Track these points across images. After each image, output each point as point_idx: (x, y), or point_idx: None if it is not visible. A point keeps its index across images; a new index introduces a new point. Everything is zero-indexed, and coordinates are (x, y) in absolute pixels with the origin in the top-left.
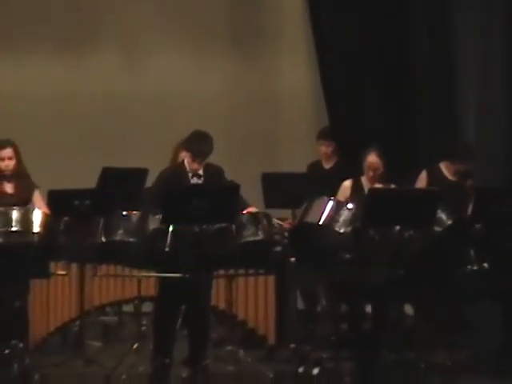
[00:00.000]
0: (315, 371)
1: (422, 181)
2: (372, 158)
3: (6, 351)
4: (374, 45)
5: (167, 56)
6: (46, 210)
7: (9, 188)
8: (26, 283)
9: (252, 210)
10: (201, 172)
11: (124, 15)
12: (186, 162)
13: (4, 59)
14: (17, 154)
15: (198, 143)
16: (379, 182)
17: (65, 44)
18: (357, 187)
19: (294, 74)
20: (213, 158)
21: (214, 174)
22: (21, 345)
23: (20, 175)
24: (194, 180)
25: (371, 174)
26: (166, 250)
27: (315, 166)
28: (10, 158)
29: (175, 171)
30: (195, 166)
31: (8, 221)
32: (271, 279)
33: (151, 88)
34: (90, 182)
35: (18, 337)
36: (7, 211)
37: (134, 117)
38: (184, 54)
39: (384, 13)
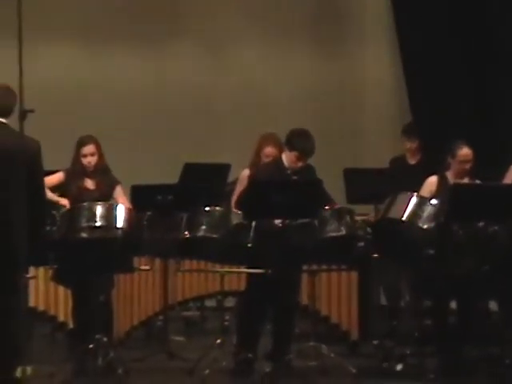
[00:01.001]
0: (399, 367)
1: (510, 176)
2: (465, 151)
3: (91, 345)
4: (460, 36)
5: (249, 49)
6: (128, 206)
7: (90, 184)
8: (111, 278)
9: (335, 205)
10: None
11: (206, 8)
12: (284, 159)
13: (81, 51)
14: (98, 150)
15: (303, 142)
16: (467, 177)
17: (145, 37)
18: (443, 183)
19: (377, 67)
20: None
21: (307, 172)
22: (105, 339)
23: (102, 171)
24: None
25: (466, 166)
26: (249, 245)
27: (398, 161)
28: (92, 155)
29: (271, 168)
30: (299, 164)
31: (92, 216)
32: (354, 275)
33: (234, 81)
34: (171, 176)
35: (103, 331)
36: (91, 206)
37: (216, 110)
38: (267, 47)
39: (470, 2)
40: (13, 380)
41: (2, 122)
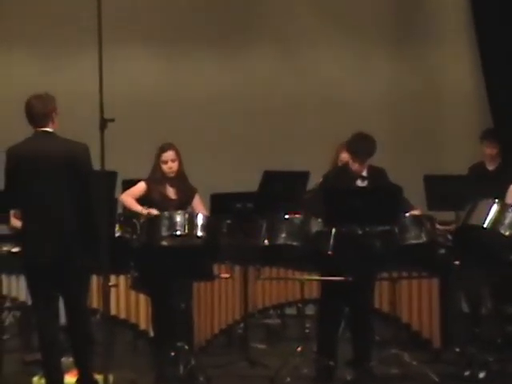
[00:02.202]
0: (481, 375)
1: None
2: None
3: (172, 353)
4: None
5: (329, 55)
6: (207, 214)
7: (171, 192)
8: (191, 286)
9: (415, 212)
10: (365, 174)
11: (283, 10)
12: (350, 163)
13: (158, 58)
14: (178, 157)
15: (359, 144)
16: None
17: (222, 41)
18: None
19: (455, 68)
20: (375, 159)
21: (377, 176)
22: (186, 346)
23: (181, 178)
24: (359, 182)
25: None
26: (329, 252)
27: (477, 168)
28: (172, 161)
29: (339, 173)
30: (355, 167)
31: (172, 225)
32: (435, 282)
33: (313, 88)
34: (251, 184)
35: (184, 338)
36: (171, 215)
37: (293, 117)
38: (344, 49)
39: None
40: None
41: (44, 131)
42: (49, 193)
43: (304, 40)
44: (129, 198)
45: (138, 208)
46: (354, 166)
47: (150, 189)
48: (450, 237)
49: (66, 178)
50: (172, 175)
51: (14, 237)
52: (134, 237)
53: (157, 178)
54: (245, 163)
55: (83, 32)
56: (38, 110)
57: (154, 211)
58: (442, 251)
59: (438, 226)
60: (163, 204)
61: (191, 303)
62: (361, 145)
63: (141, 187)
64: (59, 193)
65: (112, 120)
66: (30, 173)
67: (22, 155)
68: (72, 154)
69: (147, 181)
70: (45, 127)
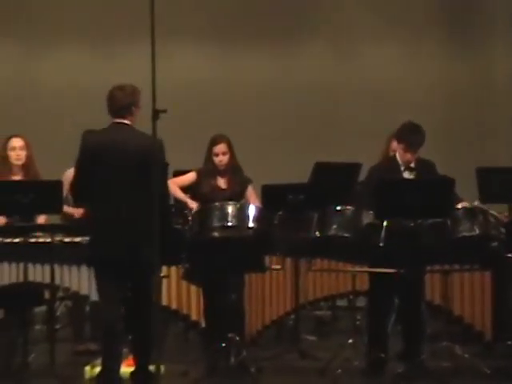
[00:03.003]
0: None
1: None
2: None
3: (223, 344)
4: None
5: (380, 45)
6: (259, 205)
7: (222, 183)
8: (242, 277)
9: (464, 204)
10: (413, 165)
11: (334, 6)
12: (397, 154)
13: (212, 51)
14: (230, 149)
15: (410, 134)
16: None
17: (274, 36)
18: None
19: (509, 62)
20: (426, 152)
21: (425, 167)
22: (237, 338)
23: (233, 170)
24: (406, 174)
25: None
26: (380, 244)
27: None
28: (224, 154)
29: (387, 165)
30: (407, 157)
31: (224, 216)
32: (487, 275)
33: (364, 81)
34: (302, 176)
35: (235, 330)
36: (223, 206)
37: (344, 109)
38: (398, 43)
39: None
40: (148, 375)
41: (121, 123)
42: (121, 186)
43: (355, 34)
44: (173, 186)
45: (181, 195)
46: (406, 157)
47: (200, 180)
48: (502, 229)
49: (139, 172)
50: (223, 167)
51: (71, 227)
52: (186, 228)
53: (208, 170)
54: (296, 154)
55: (136, 21)
56: (119, 102)
57: (193, 204)
58: (495, 244)
59: (490, 219)
60: (213, 195)
61: (243, 294)
62: (413, 134)
63: (190, 177)
64: (131, 186)
65: (164, 111)
66: (103, 165)
67: (97, 146)
68: (147, 148)
69: (198, 172)
70: (123, 119)
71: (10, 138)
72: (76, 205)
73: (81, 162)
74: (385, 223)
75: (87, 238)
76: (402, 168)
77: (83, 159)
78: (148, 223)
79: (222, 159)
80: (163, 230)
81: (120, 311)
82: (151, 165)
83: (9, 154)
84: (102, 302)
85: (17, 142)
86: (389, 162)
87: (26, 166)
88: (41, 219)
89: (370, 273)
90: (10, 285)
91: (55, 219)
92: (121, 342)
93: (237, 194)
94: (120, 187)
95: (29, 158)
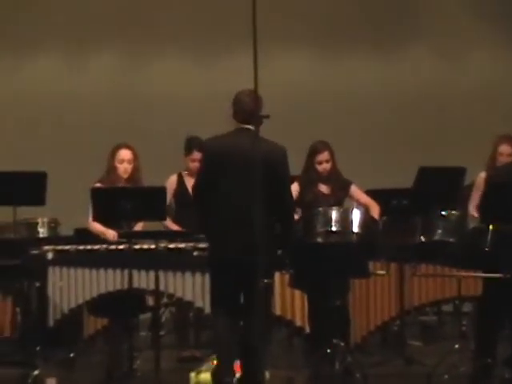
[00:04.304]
0: None
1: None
2: None
3: (328, 350)
4: None
5: (483, 53)
6: (369, 200)
7: (325, 189)
8: (347, 282)
9: None
10: None
11: (436, 13)
12: None
13: (314, 57)
14: (332, 156)
15: None
16: None
17: (375, 41)
18: None
19: None
20: None
21: None
22: (342, 343)
23: (335, 176)
24: None
25: None
26: (486, 249)
27: None
28: (327, 161)
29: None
30: None
31: (327, 221)
32: None
33: (466, 84)
34: (406, 180)
35: (340, 336)
36: (327, 211)
37: (448, 112)
38: (497, 48)
39: None
40: (254, 381)
41: (246, 128)
42: (241, 191)
43: (457, 38)
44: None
45: (100, 229)
46: None
47: (303, 188)
48: None
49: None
50: (325, 174)
51: (173, 234)
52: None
53: (310, 178)
54: (400, 159)
55: (238, 28)
56: (247, 107)
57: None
58: None
59: None
60: (317, 203)
61: (347, 300)
62: None
63: (295, 190)
64: (252, 193)
65: (267, 116)
66: (227, 169)
67: (220, 150)
68: (270, 155)
69: (300, 181)
70: (248, 125)
71: (118, 147)
72: (196, 209)
73: (203, 167)
74: (490, 227)
75: (195, 245)
76: None
77: (206, 165)
78: (264, 228)
79: (325, 167)
80: (286, 237)
81: (234, 322)
82: (272, 172)
83: (117, 166)
84: (215, 309)
85: (126, 155)
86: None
87: (132, 178)
88: (138, 226)
89: (477, 277)
90: (111, 292)
91: (159, 226)
92: (233, 349)
93: (340, 199)
94: (237, 193)
95: (135, 169)
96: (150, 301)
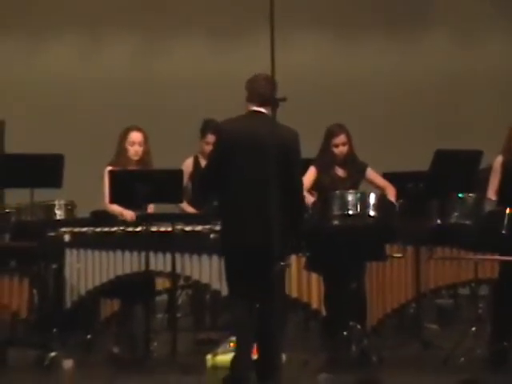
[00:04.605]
0: None
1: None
2: None
3: (345, 333)
4: None
5: (498, 39)
6: (385, 183)
7: (342, 173)
8: (363, 265)
9: None
10: None
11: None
12: None
13: (332, 40)
14: (349, 139)
15: None
16: None
17: (396, 25)
18: None
19: None
20: None
21: None
22: (358, 326)
23: (351, 160)
24: None
25: None
26: (503, 232)
27: None
28: (343, 144)
29: None
30: None
31: (344, 204)
32: None
33: (481, 69)
34: (422, 163)
35: (356, 318)
36: (343, 195)
37: (464, 98)
38: None
39: None
40: (270, 364)
41: (260, 112)
42: (255, 176)
43: (474, 23)
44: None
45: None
46: None
47: (320, 172)
48: None
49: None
50: (342, 158)
51: (190, 216)
52: (306, 217)
53: (327, 161)
54: (415, 142)
55: (255, 11)
56: (264, 91)
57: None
58: None
59: None
60: (333, 186)
61: (364, 283)
62: None
63: (312, 173)
64: (266, 177)
65: (284, 99)
66: (241, 152)
67: (234, 134)
68: (283, 139)
69: (317, 165)
70: (263, 108)
71: (129, 129)
72: (200, 197)
73: (217, 151)
74: (507, 211)
75: (211, 227)
76: None
77: (220, 149)
78: (280, 213)
79: (342, 150)
80: (297, 220)
81: (250, 305)
82: (285, 155)
83: (127, 148)
84: (232, 295)
85: (136, 137)
86: None
87: (142, 160)
88: (149, 209)
89: (493, 260)
90: (128, 274)
91: (175, 209)
92: (252, 332)
93: (356, 182)
94: (252, 177)
95: (145, 152)
96: (167, 283)
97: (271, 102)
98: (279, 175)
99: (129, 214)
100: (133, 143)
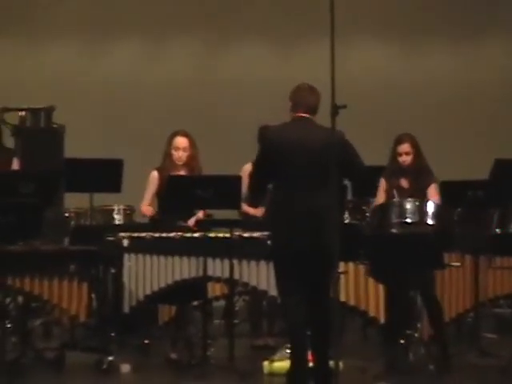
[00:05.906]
0: None
1: (381, 190)
2: None
3: (402, 341)
4: None
5: None
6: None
7: (405, 183)
8: (424, 274)
9: None
10: None
11: None
12: None
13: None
14: (415, 148)
15: None
16: None
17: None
18: None
19: None
20: None
21: None
22: (416, 335)
23: (418, 170)
24: None
25: None
26: None
27: None
28: (407, 154)
29: None
30: None
31: (403, 212)
32: None
33: None
34: (482, 172)
35: (412, 327)
36: (402, 203)
37: None
38: None
39: None
40: (327, 371)
41: (305, 117)
42: (303, 179)
43: None
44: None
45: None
46: None
47: (387, 183)
48: None
49: (322, 165)
50: (406, 167)
51: (249, 222)
52: (363, 223)
53: (392, 169)
54: (476, 150)
55: (315, 18)
56: (307, 100)
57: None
58: None
59: None
60: (393, 196)
61: (434, 290)
62: None
63: (382, 187)
64: (314, 180)
65: (344, 106)
66: (287, 158)
67: (280, 140)
68: (330, 139)
69: (385, 175)
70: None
71: (175, 134)
72: (250, 200)
73: (261, 157)
74: None
75: (266, 234)
76: None
77: (264, 155)
78: (330, 216)
79: (405, 159)
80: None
81: (302, 310)
82: (337, 149)
83: (172, 153)
84: (284, 302)
85: (181, 143)
86: None
87: (188, 165)
88: (200, 214)
89: None
90: (186, 280)
91: (234, 215)
92: (306, 339)
93: (418, 194)
94: (299, 180)
95: (191, 157)
96: (225, 289)
97: (315, 110)
98: (327, 177)
99: (149, 210)
100: (177, 148)
